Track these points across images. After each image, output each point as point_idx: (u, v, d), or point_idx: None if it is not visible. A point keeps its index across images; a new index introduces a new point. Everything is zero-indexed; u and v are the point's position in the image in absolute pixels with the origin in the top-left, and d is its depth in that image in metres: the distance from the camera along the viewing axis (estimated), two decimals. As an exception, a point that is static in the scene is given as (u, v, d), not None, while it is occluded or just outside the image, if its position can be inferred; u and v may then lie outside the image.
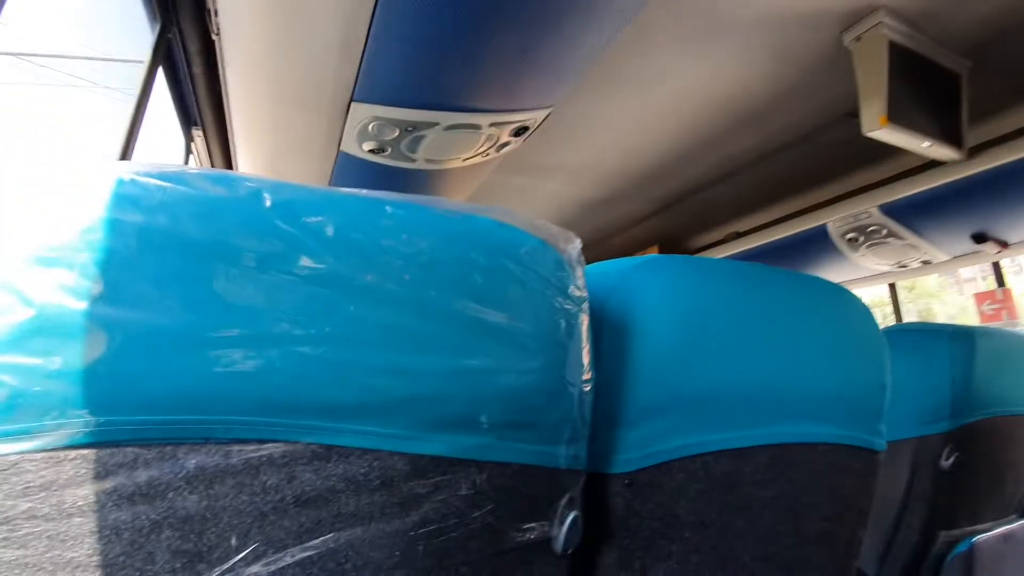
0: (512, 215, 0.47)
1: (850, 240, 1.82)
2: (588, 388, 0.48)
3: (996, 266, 1.99)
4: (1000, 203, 1.51)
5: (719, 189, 2.07)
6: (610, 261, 0.60)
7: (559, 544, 0.48)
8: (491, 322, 0.42)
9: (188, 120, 1.52)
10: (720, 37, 1.24)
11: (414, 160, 1.17)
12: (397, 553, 0.40)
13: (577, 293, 0.47)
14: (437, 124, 1.03)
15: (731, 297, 0.57)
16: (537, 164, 1.89)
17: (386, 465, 0.39)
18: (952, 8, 1.16)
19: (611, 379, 0.52)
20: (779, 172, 1.91)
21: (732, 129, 1.67)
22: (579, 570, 0.54)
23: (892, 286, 2.35)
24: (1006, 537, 1.19)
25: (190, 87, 1.32)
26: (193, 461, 0.36)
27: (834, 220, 1.80)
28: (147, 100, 1.09)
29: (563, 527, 0.48)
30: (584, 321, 0.48)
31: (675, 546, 0.55)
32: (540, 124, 1.19)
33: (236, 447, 0.36)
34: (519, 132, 1.17)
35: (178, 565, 0.35)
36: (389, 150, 1.11)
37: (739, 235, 2.31)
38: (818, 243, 1.90)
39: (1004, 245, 1.64)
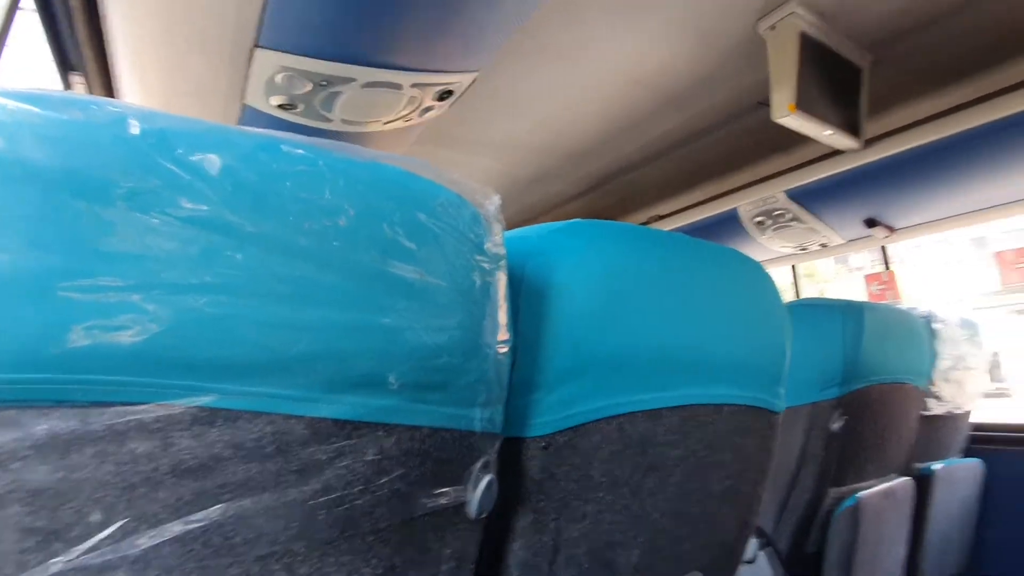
0: (427, 168, 0.45)
1: (758, 223, 1.93)
2: (505, 350, 0.47)
3: (884, 250, 2.20)
4: (889, 191, 1.65)
5: (643, 171, 2.13)
6: (531, 226, 0.59)
7: (473, 508, 0.46)
8: (400, 276, 0.40)
9: (65, 65, 1.32)
10: (646, 14, 1.25)
11: (330, 120, 1.09)
12: (294, 524, 0.37)
13: (494, 250, 0.45)
14: (354, 80, 0.96)
15: (649, 262, 0.57)
16: (464, 137, 1.85)
17: (281, 430, 0.36)
18: (858, 3, 1.24)
19: (529, 342, 0.52)
20: (698, 156, 1.98)
21: (656, 111, 1.71)
22: (493, 534, 0.53)
23: (793, 268, 2.54)
24: (886, 493, 1.33)
25: (67, 24, 1.15)
26: (43, 427, 0.31)
27: (744, 204, 1.91)
28: (8, 32, 0.94)
29: (477, 491, 0.47)
30: (501, 280, 0.46)
31: (589, 507, 0.56)
32: (466, 89, 1.15)
33: (96, 411, 0.31)
34: (443, 96, 1.12)
35: (29, 544, 0.30)
36: (301, 107, 1.03)
37: (660, 218, 2.40)
38: (729, 226, 2.01)
39: (891, 230, 1.81)
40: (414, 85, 1.02)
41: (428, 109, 1.16)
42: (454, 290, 0.42)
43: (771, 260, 2.24)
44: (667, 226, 2.31)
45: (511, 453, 0.52)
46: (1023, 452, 1.72)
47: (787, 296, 3.20)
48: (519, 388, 0.51)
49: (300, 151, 0.38)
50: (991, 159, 1.43)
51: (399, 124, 1.17)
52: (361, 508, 0.39)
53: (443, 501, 0.43)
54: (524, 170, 2.15)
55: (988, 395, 1.88)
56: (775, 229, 1.95)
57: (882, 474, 1.39)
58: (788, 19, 1.25)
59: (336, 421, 0.38)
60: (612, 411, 0.55)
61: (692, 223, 2.16)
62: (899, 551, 1.43)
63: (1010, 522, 1.71)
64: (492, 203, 0.46)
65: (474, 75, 1.10)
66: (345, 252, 0.38)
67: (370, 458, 0.39)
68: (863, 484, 1.30)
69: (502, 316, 0.46)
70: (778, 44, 1.29)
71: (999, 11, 1.24)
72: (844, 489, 1.26)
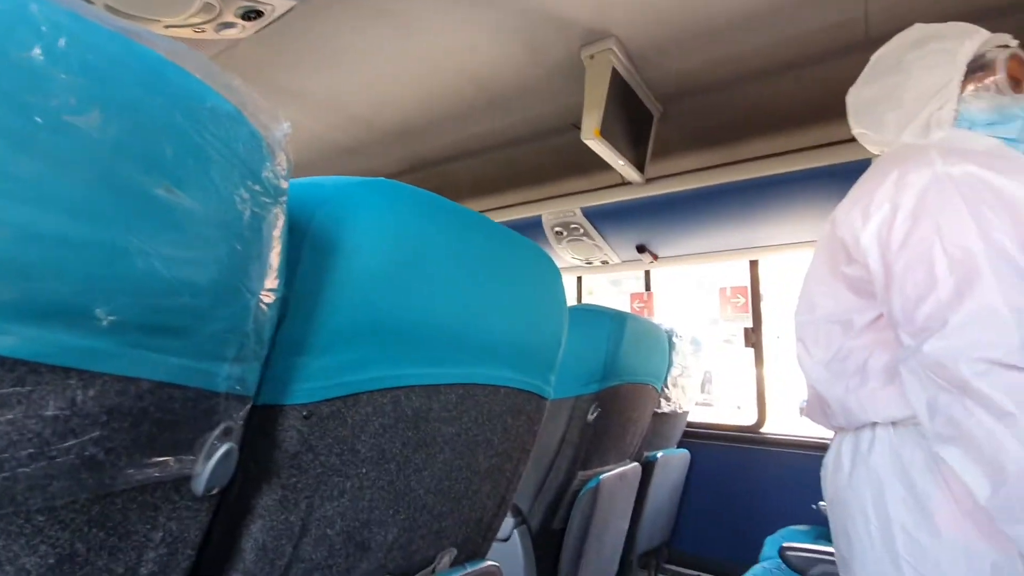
0: (202, 63, 0.36)
1: (557, 233, 2.12)
2: (271, 299, 0.41)
3: (647, 274, 2.61)
4: (659, 224, 1.96)
5: (461, 164, 2.16)
6: (329, 177, 0.53)
7: (200, 483, 0.39)
8: (138, 184, 0.31)
9: None
10: (484, 11, 1.26)
11: (91, 1, 0.85)
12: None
13: (273, 182, 0.39)
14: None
15: (449, 235, 0.56)
16: (280, 85, 1.64)
17: None
18: (658, 58, 1.44)
19: (306, 297, 0.46)
20: (514, 162, 2.09)
21: (481, 109, 1.75)
22: (226, 513, 0.46)
23: (579, 280, 2.85)
24: (621, 476, 1.56)
25: None
26: None
27: (548, 213, 2.07)
28: None
29: (209, 463, 0.39)
30: (279, 219, 0.40)
31: (350, 483, 0.52)
32: (279, 18, 1.01)
33: None
34: (250, 16, 0.97)
35: None
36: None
37: (473, 213, 2.46)
38: (533, 231, 2.16)
39: (655, 257, 2.15)
40: (212, -12, 0.85)
41: (228, 26, 0.98)
42: (213, 218, 0.35)
43: (563, 269, 2.48)
44: (477, 222, 2.38)
45: (263, 421, 0.46)
46: (716, 446, 2.19)
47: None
48: (284, 347, 0.45)
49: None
50: (736, 212, 1.80)
51: (186, 34, 0.97)
52: (28, 478, 0.30)
53: (157, 474, 0.35)
54: (341, 137, 2.00)
55: (698, 403, 2.34)
56: (569, 241, 2.15)
57: (620, 459, 1.62)
58: (605, 53, 1.39)
59: (3, 359, 0.28)
60: (390, 383, 0.52)
61: (501, 223, 2.26)
62: (624, 524, 1.69)
63: (702, 499, 2.16)
64: (280, 128, 0.40)
65: (291, 3, 0.97)
66: (55, 135, 0.28)
67: (50, 413, 0.30)
68: (604, 468, 1.50)
69: (274, 260, 0.40)
70: (595, 73, 1.42)
71: (756, 92, 1.56)
72: (589, 472, 1.44)
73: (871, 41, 1.19)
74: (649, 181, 1.79)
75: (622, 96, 1.49)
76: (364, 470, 0.52)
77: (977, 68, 0.80)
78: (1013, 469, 0.60)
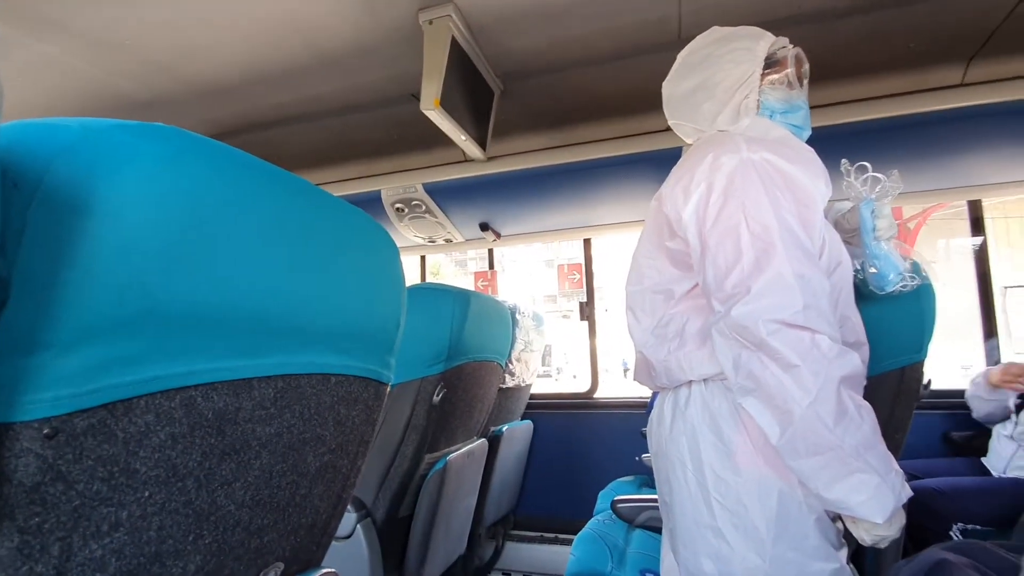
0: None
1: (398, 210, 2.02)
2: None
3: (490, 253, 2.65)
4: (501, 203, 1.98)
5: (288, 130, 1.93)
6: (74, 118, 0.40)
7: None
8: None
9: None
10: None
11: None
12: None
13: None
14: None
15: (251, 193, 0.46)
16: (57, 21, 1.28)
17: None
18: (499, 34, 1.42)
19: (37, 278, 0.34)
20: (351, 133, 1.93)
21: (311, 68, 1.57)
22: None
23: (423, 259, 2.78)
24: (468, 454, 1.56)
25: None
26: None
27: (387, 188, 1.96)
28: None
29: None
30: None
31: (127, 512, 0.41)
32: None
33: None
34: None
35: None
36: None
37: (305, 186, 2.24)
38: (373, 207, 2.04)
39: (498, 235, 2.17)
40: None
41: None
42: None
43: (405, 248, 2.38)
44: (309, 196, 2.17)
45: (-24, 448, 0.33)
46: (556, 415, 2.33)
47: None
48: (7, 346, 0.33)
49: None
50: (572, 192, 1.88)
51: None
52: None
53: None
54: (133, 87, 1.64)
55: (539, 376, 2.47)
56: (411, 219, 2.07)
57: (467, 437, 1.63)
58: (444, 20, 1.33)
59: None
60: (177, 382, 0.42)
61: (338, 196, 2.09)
62: (472, 501, 1.71)
63: (545, 465, 2.29)
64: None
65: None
66: None
67: None
68: (451, 448, 1.49)
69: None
70: (433, 39, 1.35)
71: (588, 78, 1.63)
72: (437, 454, 1.42)
73: (682, 41, 1.32)
74: (491, 159, 1.79)
75: (462, 69, 1.45)
76: (147, 493, 0.42)
77: (771, 64, 0.92)
78: (797, 413, 0.70)
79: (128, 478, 0.40)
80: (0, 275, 0.32)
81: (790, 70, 0.92)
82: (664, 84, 1.02)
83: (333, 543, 0.75)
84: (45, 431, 0.35)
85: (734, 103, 0.92)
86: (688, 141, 1.04)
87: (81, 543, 0.39)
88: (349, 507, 1.11)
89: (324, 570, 0.67)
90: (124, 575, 0.42)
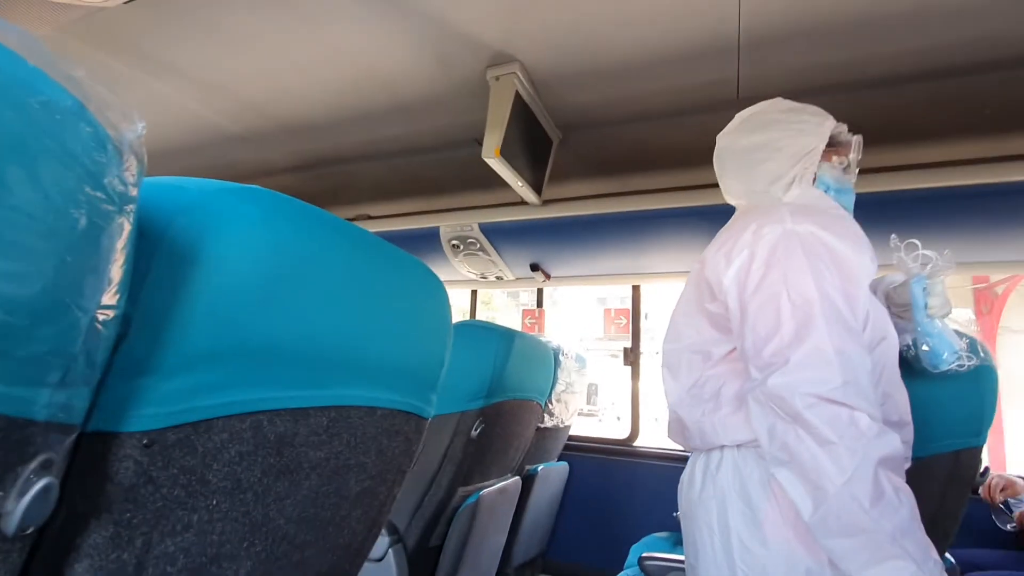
0: (33, 46, 0.32)
1: (454, 246, 2.12)
2: (109, 317, 0.36)
3: (540, 292, 2.70)
4: (552, 245, 2.04)
5: (361, 166, 2.09)
6: (191, 178, 0.49)
7: (12, 523, 0.34)
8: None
9: None
10: (401, 15, 1.25)
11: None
12: None
13: (119, 188, 0.35)
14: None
15: (326, 248, 0.54)
16: (169, 64, 1.49)
17: None
18: (559, 88, 1.51)
19: (154, 314, 0.42)
20: (415, 170, 2.07)
21: (385, 112, 1.71)
22: (47, 551, 0.40)
23: (473, 294, 2.87)
24: (501, 490, 1.58)
25: None
26: None
27: (445, 225, 2.07)
28: None
29: (23, 500, 0.34)
30: (124, 228, 0.36)
31: (197, 516, 0.47)
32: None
33: None
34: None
35: None
36: None
37: (370, 218, 2.39)
38: (430, 242, 2.15)
39: (548, 276, 2.22)
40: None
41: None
42: (38, 226, 0.31)
43: (458, 281, 2.48)
44: (373, 228, 2.31)
45: (94, 450, 0.41)
46: (593, 458, 2.31)
47: (464, 316, 3.58)
48: (123, 369, 0.41)
49: None
50: (622, 239, 1.92)
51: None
52: None
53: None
54: (230, 124, 1.85)
55: (584, 415, 2.46)
56: (466, 255, 2.16)
57: (501, 474, 1.65)
58: (509, 77, 1.43)
59: None
60: (250, 407, 0.49)
61: (398, 230, 2.22)
62: (501, 538, 1.72)
63: (578, 510, 2.26)
64: (132, 129, 0.36)
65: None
66: None
67: None
68: (485, 483, 1.52)
69: (115, 274, 0.36)
70: (498, 94, 1.45)
71: (644, 132, 1.68)
72: (470, 488, 1.45)
73: (740, 101, 1.35)
74: (545, 203, 1.85)
75: (524, 120, 1.54)
76: (215, 501, 0.48)
77: (833, 144, 0.94)
78: (832, 491, 0.69)
79: (202, 486, 0.47)
80: (126, 312, 0.40)
81: (853, 155, 0.94)
82: (720, 135, 1.03)
83: (366, 564, 0.80)
84: (144, 441, 0.42)
85: (795, 171, 0.93)
86: (730, 201, 1.05)
87: (159, 539, 0.45)
88: (383, 531, 1.15)
89: (355, 589, 0.72)
90: (188, 570, 0.48)
